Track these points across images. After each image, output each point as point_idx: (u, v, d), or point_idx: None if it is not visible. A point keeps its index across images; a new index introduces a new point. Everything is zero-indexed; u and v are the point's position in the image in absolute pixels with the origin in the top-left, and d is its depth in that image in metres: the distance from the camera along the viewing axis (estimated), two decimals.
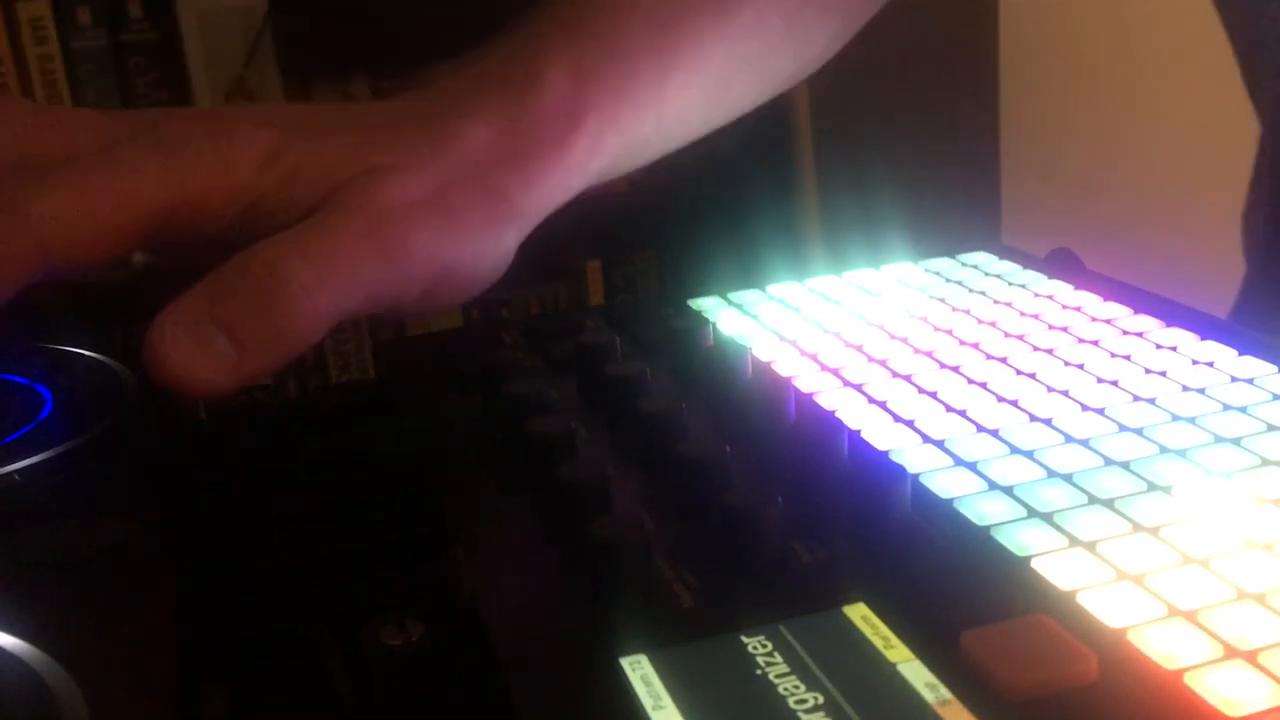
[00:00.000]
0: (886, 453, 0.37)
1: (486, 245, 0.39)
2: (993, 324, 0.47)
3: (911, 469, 0.35)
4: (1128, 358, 0.42)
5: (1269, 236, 0.63)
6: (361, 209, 0.36)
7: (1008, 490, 0.34)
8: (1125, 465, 0.35)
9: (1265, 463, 0.35)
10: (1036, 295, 0.49)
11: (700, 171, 1.56)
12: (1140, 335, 0.44)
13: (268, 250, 0.34)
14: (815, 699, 0.26)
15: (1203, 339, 0.43)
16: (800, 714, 0.26)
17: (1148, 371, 0.41)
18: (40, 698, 0.27)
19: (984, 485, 0.35)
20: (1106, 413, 0.38)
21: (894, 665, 0.27)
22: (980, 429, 0.38)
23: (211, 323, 0.33)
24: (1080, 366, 0.42)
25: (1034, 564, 0.31)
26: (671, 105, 0.45)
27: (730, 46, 0.47)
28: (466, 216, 0.38)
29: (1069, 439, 0.37)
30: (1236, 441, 0.36)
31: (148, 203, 0.35)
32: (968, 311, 0.48)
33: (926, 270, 0.54)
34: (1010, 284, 0.51)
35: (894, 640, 0.28)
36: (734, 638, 0.28)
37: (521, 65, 0.42)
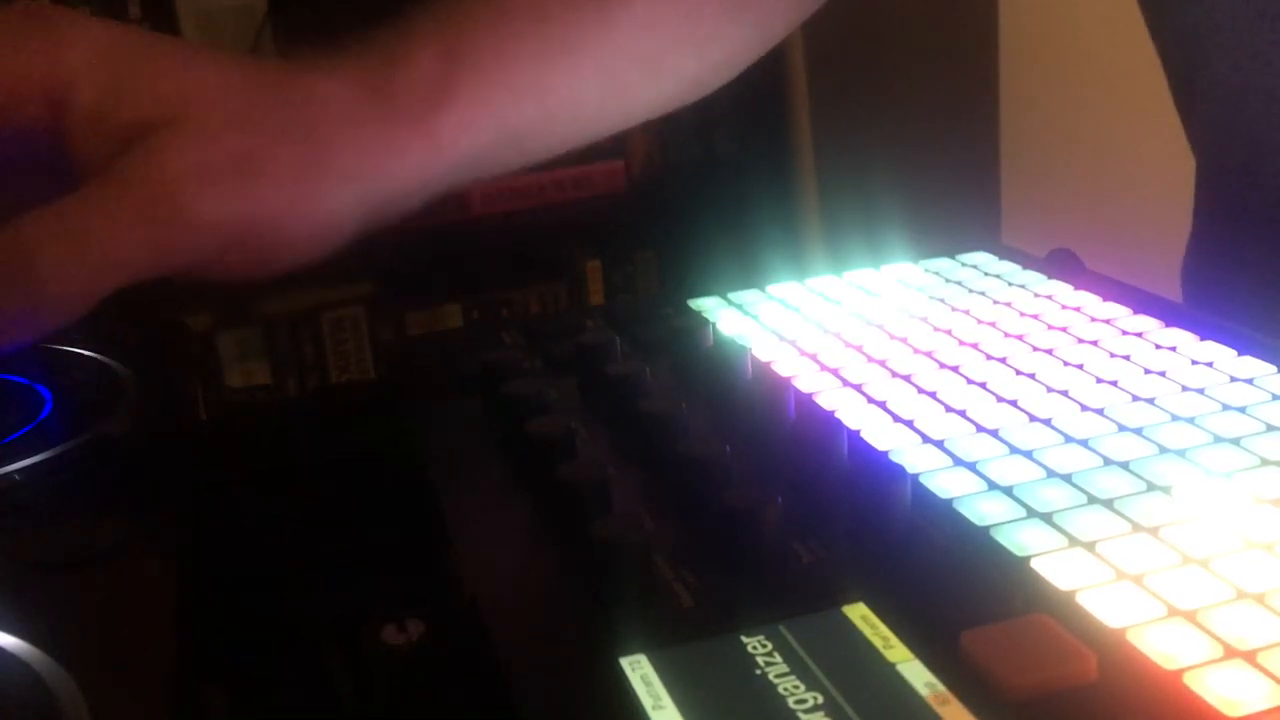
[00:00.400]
0: (886, 453, 0.37)
1: (298, 206, 0.37)
2: (992, 324, 0.47)
3: (911, 469, 0.35)
4: (1127, 358, 0.43)
5: (1197, 264, 0.63)
6: (144, 180, 0.35)
7: (1007, 490, 0.34)
8: (1125, 465, 0.35)
9: (1265, 463, 0.35)
10: (1036, 295, 0.49)
11: (700, 171, 1.56)
12: (1140, 335, 0.44)
13: (26, 229, 0.34)
14: (815, 699, 0.26)
15: (1202, 339, 0.43)
16: (800, 714, 0.26)
17: (1147, 371, 0.41)
18: (40, 698, 0.27)
19: (984, 485, 0.35)
20: (1106, 413, 0.38)
21: (894, 665, 0.27)
22: (980, 429, 0.38)
23: None
24: (1080, 366, 0.42)
25: (1034, 564, 0.31)
26: (558, 96, 0.44)
27: (622, 39, 0.46)
28: (274, 175, 0.37)
29: (1069, 439, 0.37)
30: (1236, 441, 0.36)
31: None
32: (967, 311, 0.48)
33: (926, 270, 0.54)
34: (1010, 284, 0.51)
35: (894, 640, 0.28)
36: (734, 638, 0.28)
37: (394, 42, 0.41)
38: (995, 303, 0.49)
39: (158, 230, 0.35)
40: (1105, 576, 0.30)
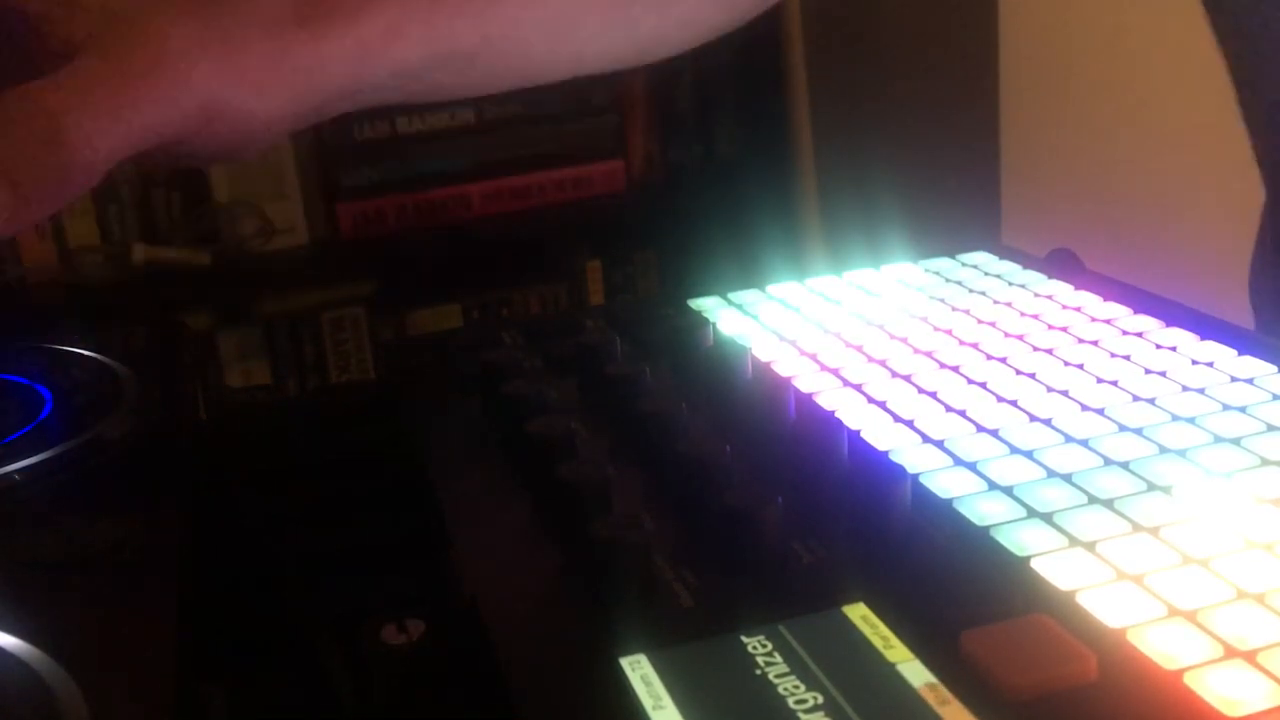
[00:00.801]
0: (886, 453, 0.37)
1: (264, 95, 0.39)
2: (992, 324, 0.47)
3: (911, 469, 0.35)
4: (1128, 358, 0.43)
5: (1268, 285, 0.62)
6: (145, 46, 0.36)
7: (1008, 490, 0.34)
8: (1125, 465, 0.35)
9: (1265, 463, 0.35)
10: (1036, 295, 0.49)
11: (700, 171, 1.56)
12: (1140, 335, 0.44)
13: (49, 96, 0.34)
14: (815, 699, 0.26)
15: (1203, 339, 0.43)
16: (800, 714, 0.26)
17: (1148, 371, 0.41)
18: (40, 698, 0.27)
19: (984, 485, 0.35)
20: (1106, 413, 0.38)
21: (894, 665, 0.27)
22: (980, 429, 0.38)
23: None
24: (1080, 366, 0.42)
25: (1034, 564, 0.31)
26: (501, 26, 0.44)
27: None
28: (249, 61, 0.38)
29: (1069, 439, 0.37)
30: (1236, 441, 0.36)
31: None
32: (968, 311, 0.48)
33: (926, 270, 0.54)
34: (1010, 284, 0.51)
35: (894, 640, 0.28)
36: (734, 638, 0.28)
37: None
38: (995, 303, 0.49)
39: (163, 95, 0.36)
40: (1105, 576, 0.30)
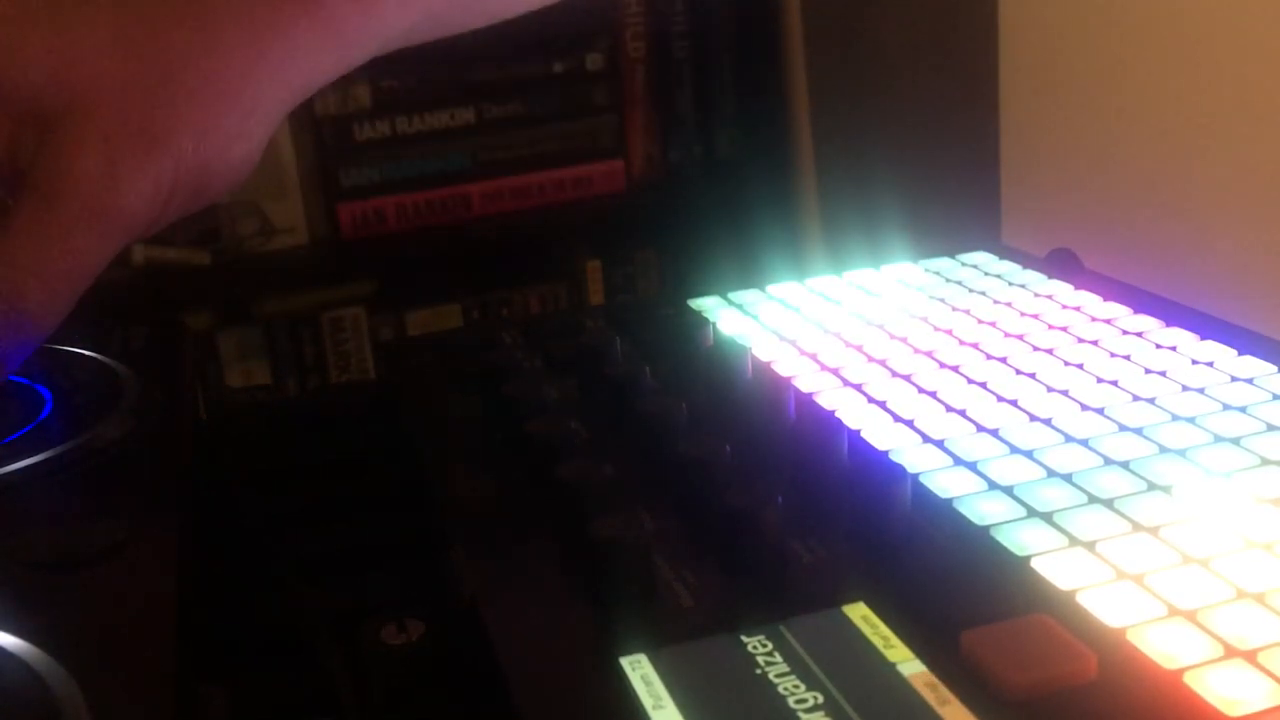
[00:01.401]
0: (886, 453, 0.37)
1: (218, 150, 0.37)
2: (992, 324, 0.47)
3: (911, 469, 0.35)
4: (1127, 358, 0.43)
5: None
6: (69, 192, 0.35)
7: (1008, 490, 0.34)
8: (1125, 465, 0.35)
9: (1265, 462, 0.35)
10: (1036, 295, 0.49)
11: (700, 171, 1.56)
12: (1140, 335, 0.44)
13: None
14: (815, 698, 0.26)
15: (1203, 339, 0.43)
16: (800, 713, 0.26)
17: (1147, 371, 0.41)
18: (40, 698, 0.27)
19: (984, 485, 0.35)
20: (1106, 412, 0.38)
21: (894, 665, 0.27)
22: (980, 429, 0.38)
23: None
24: (1080, 366, 0.42)
25: (1034, 564, 0.31)
26: None
27: None
28: (187, 133, 0.36)
29: (1069, 439, 0.37)
30: (1236, 441, 0.36)
31: None
32: (968, 311, 0.48)
33: (926, 270, 0.54)
34: (1010, 284, 0.51)
35: (894, 640, 0.28)
36: (734, 637, 0.28)
37: None
38: (995, 303, 0.49)
39: (101, 232, 0.36)
40: (1105, 576, 0.30)
